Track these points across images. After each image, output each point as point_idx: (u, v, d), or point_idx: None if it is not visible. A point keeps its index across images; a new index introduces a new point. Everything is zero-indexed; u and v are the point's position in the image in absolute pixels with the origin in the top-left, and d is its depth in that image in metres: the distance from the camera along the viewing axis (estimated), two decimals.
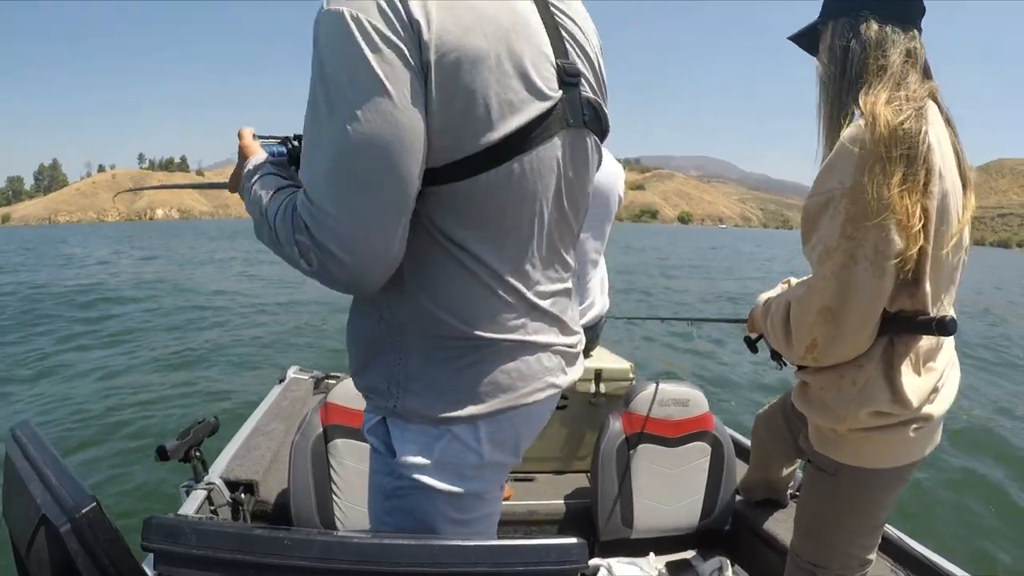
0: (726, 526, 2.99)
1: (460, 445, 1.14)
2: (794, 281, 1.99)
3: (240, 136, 1.34)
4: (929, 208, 1.46)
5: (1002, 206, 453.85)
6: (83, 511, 0.83)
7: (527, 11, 1.08)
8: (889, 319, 1.56)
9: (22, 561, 0.92)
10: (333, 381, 4.05)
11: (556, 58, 1.11)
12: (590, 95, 1.19)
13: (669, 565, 2.82)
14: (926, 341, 1.62)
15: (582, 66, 1.17)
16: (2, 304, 12.63)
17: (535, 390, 1.19)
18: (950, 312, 1.67)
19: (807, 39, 1.75)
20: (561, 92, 1.11)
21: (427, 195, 1.04)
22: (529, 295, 1.17)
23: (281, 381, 4.03)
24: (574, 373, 1.31)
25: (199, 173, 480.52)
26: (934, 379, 1.64)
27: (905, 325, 1.56)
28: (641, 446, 2.79)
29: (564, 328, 1.27)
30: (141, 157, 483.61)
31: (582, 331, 1.38)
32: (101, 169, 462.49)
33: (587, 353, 3.26)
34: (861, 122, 1.48)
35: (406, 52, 0.94)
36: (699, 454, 2.88)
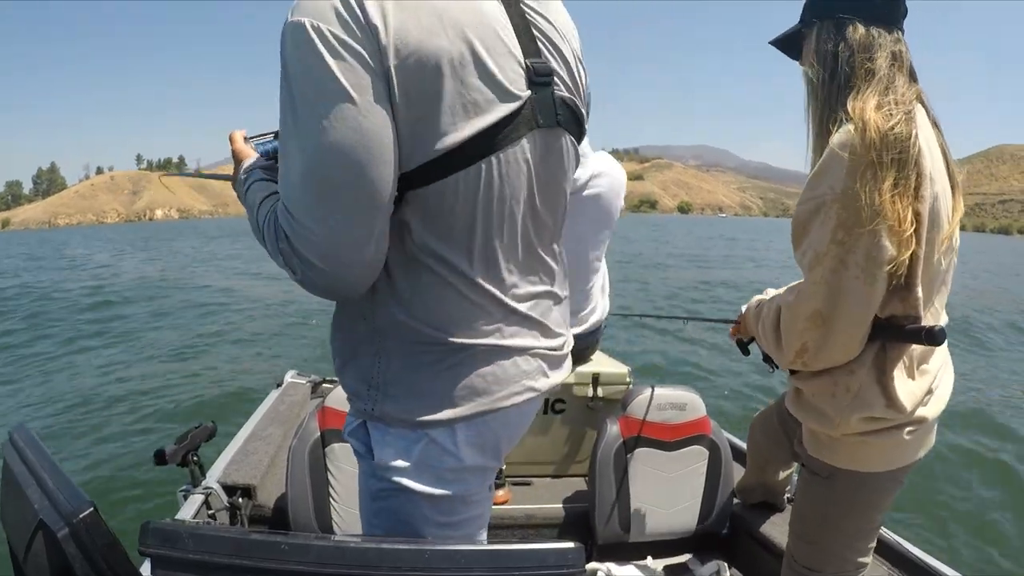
0: (724, 530, 2.99)
1: (438, 448, 1.14)
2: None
3: (231, 140, 1.35)
4: (921, 212, 1.46)
5: (1003, 192, 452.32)
6: (80, 516, 0.83)
7: (494, 11, 1.07)
8: (880, 325, 1.56)
9: (20, 566, 0.92)
10: (330, 385, 4.05)
11: (525, 58, 1.10)
12: (565, 95, 1.18)
13: (667, 569, 2.82)
14: (913, 350, 1.61)
15: (556, 65, 1.15)
16: (5, 309, 12.63)
17: (512, 393, 1.18)
18: (942, 316, 1.69)
19: (789, 43, 1.75)
20: (530, 92, 1.10)
21: (399, 200, 1.04)
22: (505, 299, 1.17)
23: (278, 385, 4.03)
24: (558, 376, 1.31)
25: (198, 172, 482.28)
26: (928, 382, 1.65)
27: (896, 334, 1.56)
28: (638, 450, 2.79)
29: (546, 331, 1.26)
30: (139, 158, 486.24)
31: (569, 333, 1.37)
32: (99, 171, 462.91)
33: (587, 357, 3.27)
34: (850, 127, 1.47)
35: (367, 58, 0.94)
36: (696, 458, 2.88)
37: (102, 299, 14.78)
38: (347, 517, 2.40)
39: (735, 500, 3.01)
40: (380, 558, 0.91)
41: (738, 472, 3.02)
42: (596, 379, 3.24)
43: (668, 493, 2.83)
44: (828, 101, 1.59)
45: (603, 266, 2.99)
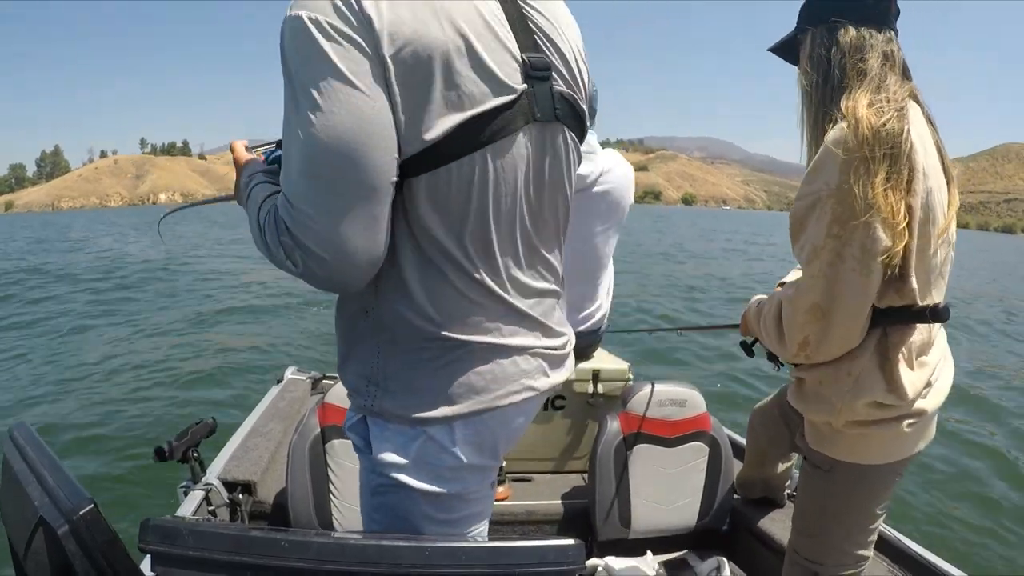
0: (724, 526, 3.00)
1: (436, 446, 1.14)
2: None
3: (232, 149, 1.35)
4: (913, 205, 1.50)
5: (1008, 191, 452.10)
6: (81, 513, 0.83)
7: (489, 6, 1.08)
8: (880, 313, 1.60)
9: (20, 563, 0.92)
10: (331, 381, 4.04)
11: (522, 52, 1.11)
12: (564, 89, 1.18)
13: (667, 565, 2.82)
14: (919, 335, 1.65)
15: (554, 60, 1.16)
16: (7, 294, 12.59)
17: (510, 392, 1.18)
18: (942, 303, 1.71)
19: (787, 50, 1.79)
20: (527, 86, 1.11)
21: (397, 189, 1.04)
22: (505, 296, 1.17)
23: (279, 382, 4.03)
24: (559, 375, 1.31)
25: (201, 157, 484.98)
26: (927, 373, 1.67)
27: (899, 316, 1.60)
28: (639, 446, 2.79)
29: (546, 330, 1.26)
30: (143, 142, 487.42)
31: (570, 332, 1.37)
32: (103, 154, 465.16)
33: (589, 355, 3.27)
34: (844, 125, 1.51)
35: (364, 46, 0.96)
36: (696, 454, 2.88)
37: (105, 287, 14.76)
38: (347, 513, 2.40)
39: (735, 496, 3.01)
40: (380, 555, 0.91)
41: (738, 468, 3.02)
42: (596, 375, 3.23)
43: (668, 489, 2.83)
44: (823, 102, 1.63)
45: (610, 267, 2.99)
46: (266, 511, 2.67)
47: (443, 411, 1.12)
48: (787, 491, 3.00)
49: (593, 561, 2.61)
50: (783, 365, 2.01)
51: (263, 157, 1.32)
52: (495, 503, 1.47)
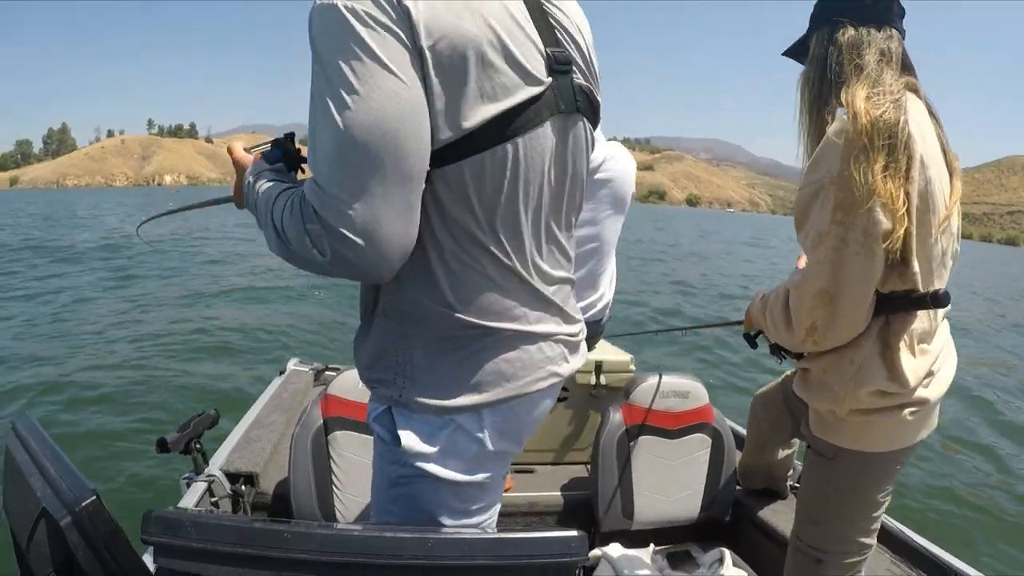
0: (726, 517, 3.00)
1: (464, 434, 1.16)
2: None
3: (231, 151, 1.35)
4: (911, 192, 1.55)
5: (1012, 204, 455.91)
6: (83, 504, 0.83)
7: (516, 3, 1.10)
8: (883, 300, 1.64)
9: (22, 554, 0.92)
10: (333, 373, 4.04)
11: (545, 46, 1.13)
12: (582, 82, 1.22)
13: (669, 556, 2.82)
14: (920, 323, 1.69)
15: (573, 54, 1.19)
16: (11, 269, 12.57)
17: (537, 379, 1.21)
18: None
19: (800, 53, 1.85)
20: (551, 79, 1.13)
21: (428, 178, 1.04)
22: (532, 282, 1.19)
23: (281, 373, 4.03)
24: (576, 362, 1.33)
25: (208, 140, 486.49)
26: (929, 361, 1.70)
27: (900, 303, 1.65)
28: (641, 438, 2.79)
29: (566, 317, 1.29)
30: (150, 123, 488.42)
31: (583, 320, 1.39)
32: (110, 134, 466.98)
33: (591, 345, 3.27)
34: (844, 117, 1.58)
35: (403, 37, 0.96)
36: (699, 446, 2.88)
37: (109, 269, 14.76)
38: (350, 505, 2.40)
39: (737, 487, 3.02)
40: (383, 546, 0.91)
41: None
42: (599, 367, 3.23)
43: (671, 481, 2.84)
44: (821, 96, 1.72)
45: (613, 253, 2.99)
46: (269, 503, 2.67)
47: (472, 399, 1.14)
48: (789, 482, 3.01)
49: (595, 552, 2.61)
50: (784, 358, 2.05)
51: (261, 158, 1.31)
52: None
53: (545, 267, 1.23)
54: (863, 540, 1.87)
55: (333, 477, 2.39)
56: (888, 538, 2.57)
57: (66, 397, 6.17)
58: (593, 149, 1.33)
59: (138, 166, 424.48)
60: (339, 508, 2.39)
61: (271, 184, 1.16)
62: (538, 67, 1.11)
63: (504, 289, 1.16)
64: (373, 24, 0.94)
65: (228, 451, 2.77)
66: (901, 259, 1.59)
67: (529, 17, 1.12)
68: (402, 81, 0.96)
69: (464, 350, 1.14)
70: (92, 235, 25.16)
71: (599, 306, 2.91)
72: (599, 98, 1.29)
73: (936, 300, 1.63)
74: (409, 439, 1.14)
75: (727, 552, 2.71)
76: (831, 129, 1.60)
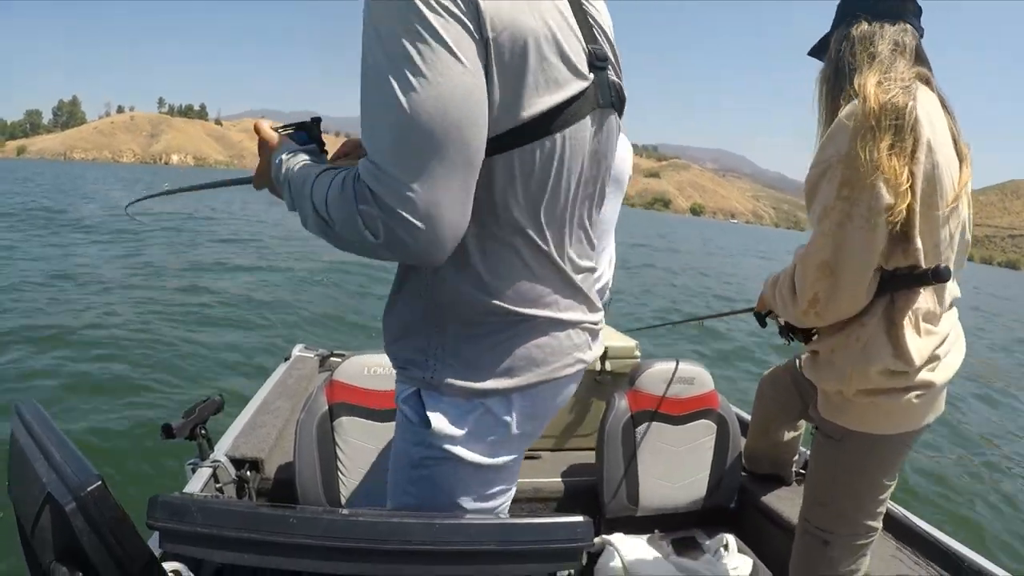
0: (731, 503, 3.00)
1: (492, 418, 1.18)
2: None
3: (259, 129, 1.33)
4: (916, 172, 1.61)
5: (1013, 227, 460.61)
6: (88, 489, 0.83)
7: (562, 0, 1.13)
8: (888, 277, 1.70)
9: (27, 540, 0.92)
10: (339, 359, 4.05)
11: (587, 43, 1.15)
12: (614, 78, 1.24)
13: (675, 542, 2.82)
14: (924, 303, 1.73)
15: (608, 51, 1.22)
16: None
17: (565, 365, 1.24)
18: (955, 288, 1.84)
19: (822, 51, 1.92)
20: (592, 75, 1.16)
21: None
22: (566, 270, 1.22)
23: (286, 359, 4.03)
24: (598, 349, 1.36)
25: (217, 122, 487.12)
26: (934, 342, 1.74)
27: (904, 280, 1.70)
28: (646, 424, 2.79)
29: (591, 305, 1.31)
30: (161, 101, 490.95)
31: (602, 309, 1.42)
32: (120, 110, 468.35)
33: None
34: (856, 101, 1.64)
35: (470, 26, 0.97)
36: (704, 432, 2.88)
37: (113, 255, 14.75)
38: (355, 490, 2.40)
39: (743, 473, 3.02)
40: (390, 532, 0.91)
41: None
42: (604, 353, 3.23)
43: (676, 467, 2.84)
44: (836, 85, 1.79)
45: (612, 232, 2.98)
46: (274, 488, 2.67)
47: (503, 383, 1.16)
48: (794, 468, 3.01)
49: (601, 538, 2.61)
50: (793, 340, 2.10)
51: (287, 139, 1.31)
52: None
53: (574, 256, 1.25)
54: (870, 523, 1.90)
55: (338, 463, 2.39)
56: (892, 524, 2.57)
57: (70, 382, 6.18)
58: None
59: (146, 143, 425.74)
60: (344, 494, 2.39)
61: (306, 163, 1.16)
62: (582, 63, 1.13)
63: (540, 277, 1.18)
64: (442, 11, 0.95)
65: (233, 437, 2.77)
66: (904, 234, 1.65)
67: (572, 14, 1.14)
68: (468, 69, 0.97)
69: (498, 335, 1.16)
70: (99, 209, 25.19)
71: (598, 285, 2.91)
72: (625, 93, 1.31)
73: (937, 274, 1.66)
74: (439, 421, 1.16)
75: (732, 538, 2.71)
76: (842, 112, 1.66)
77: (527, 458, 3.18)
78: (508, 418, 1.19)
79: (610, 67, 1.22)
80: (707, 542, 2.78)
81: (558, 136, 1.10)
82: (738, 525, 2.97)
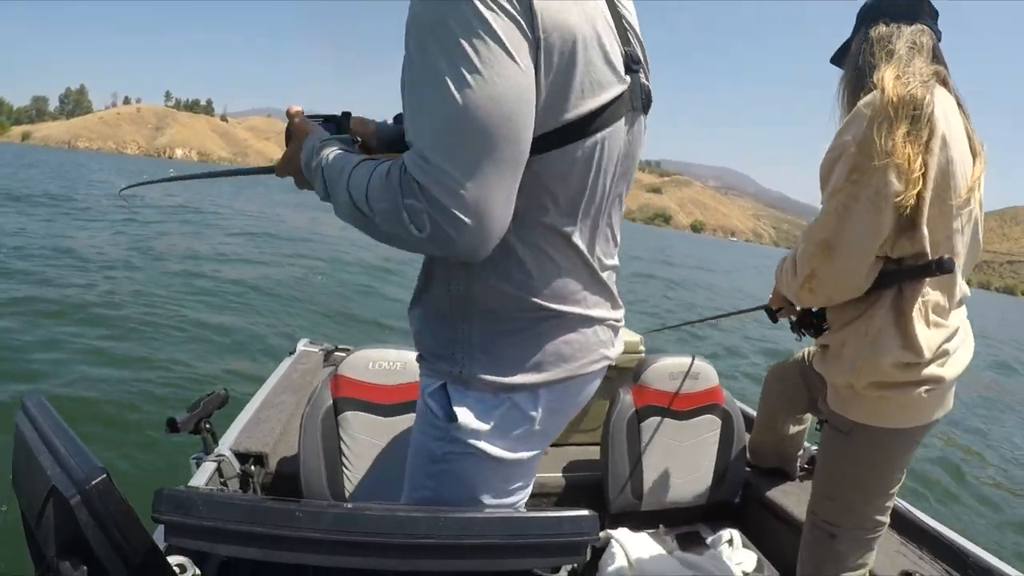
0: (736, 498, 3.01)
1: (518, 413, 1.18)
2: None
3: (291, 115, 1.33)
4: (929, 163, 1.64)
5: (1012, 253, 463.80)
6: (93, 483, 0.82)
7: (602, 1, 1.13)
8: (892, 271, 1.73)
9: (32, 532, 0.92)
10: (343, 353, 4.04)
11: (622, 46, 1.16)
12: (645, 82, 1.24)
13: (679, 537, 2.83)
14: (933, 295, 1.75)
15: (640, 54, 1.23)
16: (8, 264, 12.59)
17: (592, 361, 1.25)
18: (963, 285, 1.84)
19: (843, 57, 1.96)
20: (629, 78, 1.16)
21: None
22: (595, 268, 1.23)
23: (291, 353, 4.03)
24: (620, 346, 1.38)
25: (223, 118, 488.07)
26: (943, 335, 1.75)
27: (909, 272, 1.72)
28: (651, 419, 2.79)
29: (615, 303, 1.33)
30: (168, 95, 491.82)
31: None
32: (127, 101, 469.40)
33: None
34: (875, 92, 1.67)
35: (524, 26, 0.97)
36: (709, 427, 2.88)
37: (118, 248, 14.75)
38: (360, 485, 2.40)
39: (747, 469, 3.02)
40: (396, 525, 0.91)
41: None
42: None
43: (680, 462, 2.84)
44: (858, 84, 1.81)
45: None
46: (278, 483, 2.67)
47: (532, 378, 1.17)
48: (799, 462, 3.01)
49: (605, 533, 2.61)
50: (804, 335, 2.11)
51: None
52: None
53: (601, 254, 1.26)
54: (877, 517, 1.92)
55: (343, 457, 2.39)
56: (896, 518, 2.57)
57: (74, 376, 6.18)
58: None
59: (151, 136, 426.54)
60: (349, 488, 2.39)
61: (343, 153, 1.16)
62: (620, 66, 1.14)
63: (572, 273, 1.19)
64: (498, 10, 0.95)
65: (238, 431, 2.77)
66: (911, 222, 1.67)
67: (610, 16, 1.14)
68: (521, 68, 0.97)
69: (529, 330, 1.16)
70: (105, 198, 25.24)
71: None
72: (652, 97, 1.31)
73: (941, 265, 1.66)
74: (465, 416, 1.16)
75: (736, 533, 2.71)
76: (861, 101, 1.69)
77: None
78: (534, 413, 1.19)
79: (642, 70, 1.22)
80: (711, 537, 2.78)
81: (598, 137, 1.11)
82: (742, 520, 2.97)
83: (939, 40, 1.81)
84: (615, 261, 1.33)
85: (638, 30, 1.25)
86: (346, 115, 1.34)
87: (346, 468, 2.40)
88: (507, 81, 0.95)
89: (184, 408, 2.27)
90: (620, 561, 2.48)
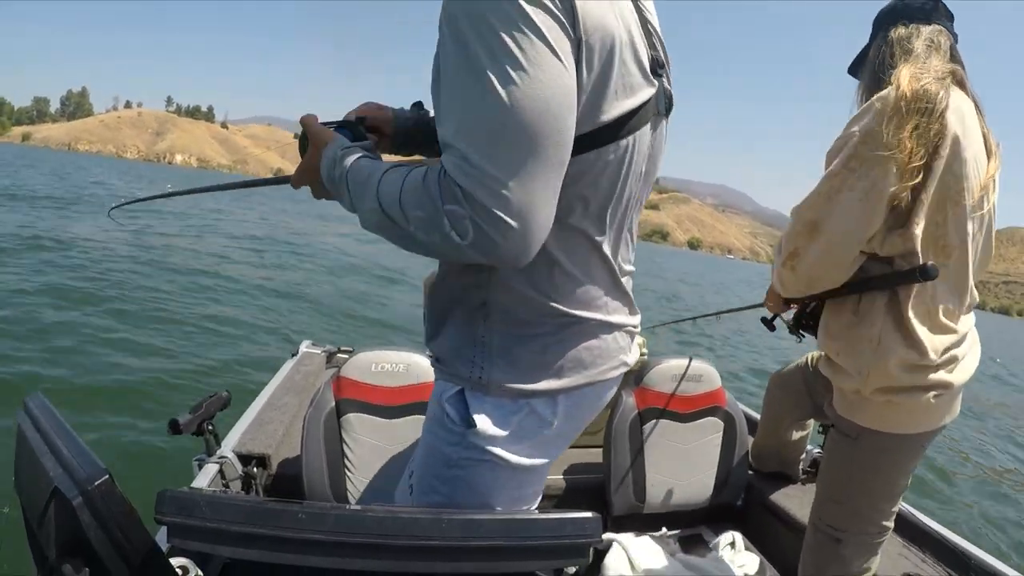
0: (738, 501, 3.00)
1: (536, 419, 1.17)
2: None
3: (306, 124, 1.28)
4: (935, 164, 1.63)
5: (1008, 274, 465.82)
6: (95, 484, 0.82)
7: (631, 5, 1.12)
8: (880, 274, 1.74)
9: (34, 534, 0.92)
10: (345, 355, 4.05)
11: (649, 50, 1.14)
12: (668, 86, 1.22)
13: (681, 539, 2.83)
14: (935, 301, 1.74)
15: (664, 58, 1.20)
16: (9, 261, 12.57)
17: (611, 367, 1.24)
18: (974, 292, 1.83)
19: (860, 65, 1.94)
20: (655, 82, 1.15)
21: None
22: (618, 274, 1.22)
23: (294, 355, 4.03)
24: (636, 352, 1.39)
25: (223, 125, 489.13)
26: (951, 340, 1.75)
27: (892, 279, 1.72)
28: (654, 421, 2.79)
29: (632, 308, 1.31)
30: (169, 100, 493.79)
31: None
32: (128, 105, 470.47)
33: None
34: (890, 88, 1.66)
35: (567, 25, 0.95)
36: (712, 429, 2.88)
37: (120, 249, 14.74)
38: (362, 487, 2.40)
39: (750, 471, 3.02)
40: (398, 527, 0.90)
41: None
42: None
43: (683, 464, 2.84)
44: (876, 85, 1.78)
45: None
46: (280, 484, 2.67)
47: (551, 384, 1.15)
48: (801, 465, 3.01)
49: (608, 535, 2.61)
50: (804, 337, 2.10)
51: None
52: None
53: (622, 259, 1.25)
54: (882, 522, 1.91)
55: (345, 459, 2.39)
56: (899, 522, 2.56)
57: (77, 375, 6.19)
58: None
59: (151, 141, 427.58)
60: (351, 490, 2.39)
61: (368, 160, 1.12)
62: (648, 70, 1.12)
63: (595, 279, 1.17)
64: (543, 8, 0.92)
65: (240, 433, 2.77)
66: (904, 219, 1.67)
67: (638, 19, 1.13)
68: (566, 68, 0.94)
69: (550, 336, 1.14)
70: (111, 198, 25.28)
71: None
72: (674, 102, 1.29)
73: (925, 272, 1.65)
74: (483, 422, 1.14)
75: (739, 535, 2.71)
76: (875, 96, 1.68)
77: None
78: (552, 419, 1.17)
79: (665, 74, 1.20)
80: (714, 540, 2.78)
81: (627, 141, 1.09)
82: (744, 523, 2.96)
83: (956, 42, 1.80)
84: (632, 267, 1.32)
85: (661, 34, 1.23)
86: (360, 120, 1.30)
87: (348, 470, 2.39)
88: (553, 80, 0.92)
89: (186, 409, 2.27)
90: (622, 563, 2.48)
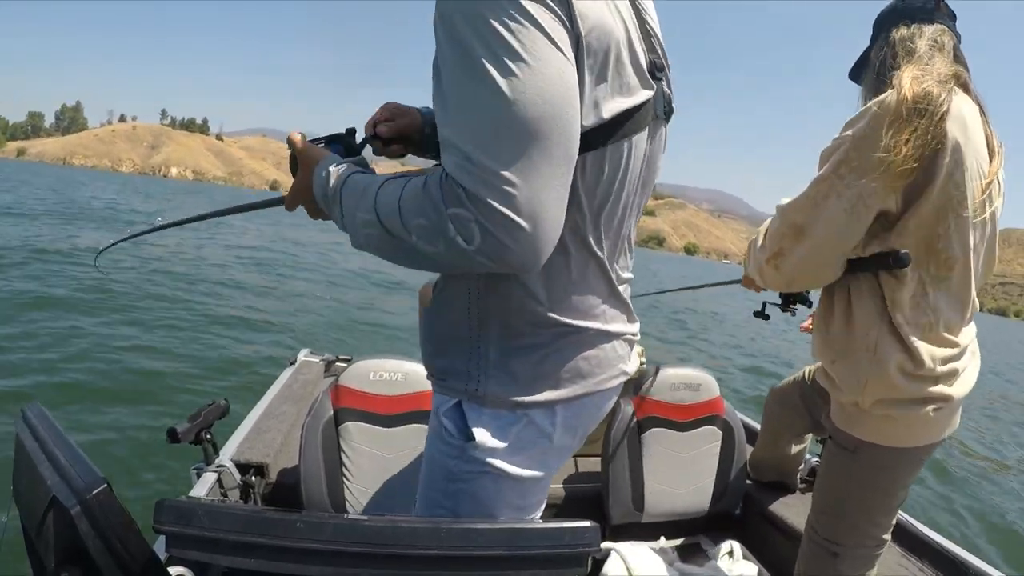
0: (736, 510, 3.00)
1: (535, 430, 1.15)
2: None
3: (292, 143, 1.24)
4: (935, 173, 1.60)
5: (1004, 275, 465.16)
6: (93, 493, 0.82)
7: (629, 5, 1.10)
8: (856, 259, 1.72)
9: (32, 543, 0.91)
10: (344, 364, 4.04)
11: (647, 52, 1.12)
12: (668, 90, 1.21)
13: (680, 549, 2.82)
14: (945, 310, 1.72)
15: (663, 62, 1.18)
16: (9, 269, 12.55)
17: (610, 376, 1.22)
18: (975, 300, 1.82)
19: (862, 69, 1.92)
20: (653, 84, 1.13)
21: None
22: (614, 281, 1.20)
23: (292, 364, 4.03)
24: (636, 361, 1.35)
25: (218, 138, 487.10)
26: (952, 351, 1.72)
27: (865, 264, 1.71)
28: (652, 430, 2.79)
29: (630, 316, 1.29)
30: (163, 113, 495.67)
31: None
32: (122, 119, 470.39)
33: None
34: (891, 91, 1.62)
35: (565, 20, 0.92)
36: (710, 438, 2.88)
37: (118, 258, 14.71)
38: (361, 496, 2.40)
39: (748, 480, 3.02)
40: (396, 536, 0.90)
41: (751, 452, 3.03)
42: None
43: (681, 473, 2.83)
44: (879, 87, 1.74)
45: None
46: (279, 493, 2.67)
47: (550, 395, 1.13)
48: (799, 475, 3.01)
49: (606, 544, 2.61)
50: (795, 311, 2.21)
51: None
52: None
53: (621, 267, 1.24)
54: (879, 534, 1.89)
55: (344, 468, 2.39)
56: (898, 531, 2.56)
57: (73, 385, 6.18)
58: None
59: (146, 154, 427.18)
60: (349, 499, 2.39)
61: (362, 175, 1.09)
62: (646, 72, 1.10)
63: (593, 287, 1.15)
64: (541, 6, 0.89)
65: (238, 442, 2.77)
66: (887, 226, 1.66)
67: (636, 21, 1.11)
68: (567, 59, 0.91)
69: (547, 347, 1.12)
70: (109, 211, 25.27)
71: None
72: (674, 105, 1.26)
73: (898, 260, 1.64)
74: (482, 435, 1.12)
75: (737, 545, 2.71)
76: (874, 99, 1.65)
77: None
78: (551, 430, 1.16)
79: (664, 78, 1.18)
80: (712, 549, 2.77)
81: (624, 144, 1.07)
82: (743, 532, 2.96)
83: (959, 42, 1.78)
84: (630, 274, 1.30)
85: (661, 38, 1.20)
86: (350, 132, 1.28)
87: (347, 479, 2.39)
88: (554, 71, 0.89)
89: (185, 418, 2.27)
90: (620, 573, 2.47)
